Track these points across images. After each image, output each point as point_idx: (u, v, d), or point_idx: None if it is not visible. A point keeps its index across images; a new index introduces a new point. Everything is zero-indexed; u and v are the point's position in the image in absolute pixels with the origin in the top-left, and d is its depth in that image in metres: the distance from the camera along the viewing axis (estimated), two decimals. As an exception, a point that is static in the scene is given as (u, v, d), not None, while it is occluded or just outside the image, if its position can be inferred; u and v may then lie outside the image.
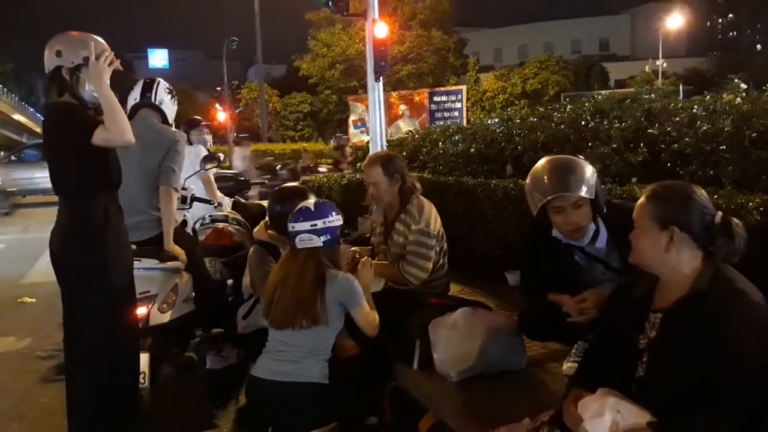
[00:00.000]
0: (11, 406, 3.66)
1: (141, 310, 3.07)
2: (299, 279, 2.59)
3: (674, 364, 1.72)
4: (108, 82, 2.53)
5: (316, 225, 2.61)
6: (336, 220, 2.67)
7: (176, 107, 3.85)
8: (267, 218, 3.42)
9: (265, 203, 6.01)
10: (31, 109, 49.66)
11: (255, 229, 3.61)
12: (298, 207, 2.70)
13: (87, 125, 2.50)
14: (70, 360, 2.70)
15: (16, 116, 43.13)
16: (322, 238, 2.62)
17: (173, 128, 3.78)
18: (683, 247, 1.77)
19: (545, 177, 2.47)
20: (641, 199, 1.87)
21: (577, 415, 1.78)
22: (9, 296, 6.38)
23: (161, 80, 3.81)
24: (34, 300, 6.11)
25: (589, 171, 2.47)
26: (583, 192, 2.40)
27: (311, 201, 2.72)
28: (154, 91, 3.70)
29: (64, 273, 2.60)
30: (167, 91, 3.77)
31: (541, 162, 2.57)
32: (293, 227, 2.64)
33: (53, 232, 2.63)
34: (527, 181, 2.58)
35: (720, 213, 1.79)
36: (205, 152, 5.10)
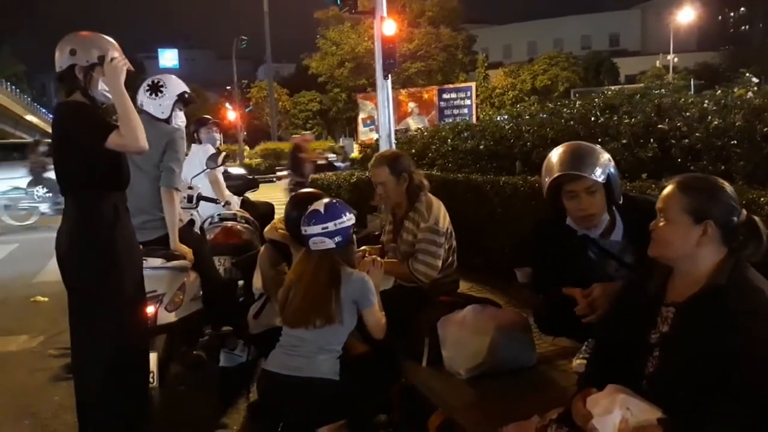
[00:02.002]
0: (24, 404, 3.69)
1: (148, 310, 3.08)
2: (313, 279, 2.61)
3: (686, 359, 1.70)
4: (123, 83, 2.54)
5: (327, 227, 2.62)
6: (348, 220, 2.67)
7: (162, 100, 3.73)
8: (276, 217, 3.42)
9: (273, 201, 6.04)
10: (43, 110, 50.01)
11: (265, 229, 3.62)
12: (309, 210, 2.70)
13: (99, 126, 2.50)
14: (78, 360, 2.71)
15: (29, 117, 43.49)
16: (335, 240, 2.63)
17: (170, 123, 3.75)
18: (712, 243, 1.73)
19: (559, 157, 2.46)
20: (670, 189, 1.79)
21: (586, 412, 1.76)
22: (22, 295, 6.44)
23: (147, 80, 3.80)
24: (46, 299, 6.16)
25: (605, 158, 2.45)
26: (594, 175, 2.38)
27: (322, 203, 2.72)
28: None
29: (74, 273, 2.61)
30: (146, 89, 3.74)
31: (560, 146, 2.56)
32: (305, 230, 2.66)
33: (60, 233, 2.63)
34: (544, 164, 2.57)
35: (744, 210, 1.76)
36: (212, 151, 5.10)
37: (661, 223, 1.80)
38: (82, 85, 2.57)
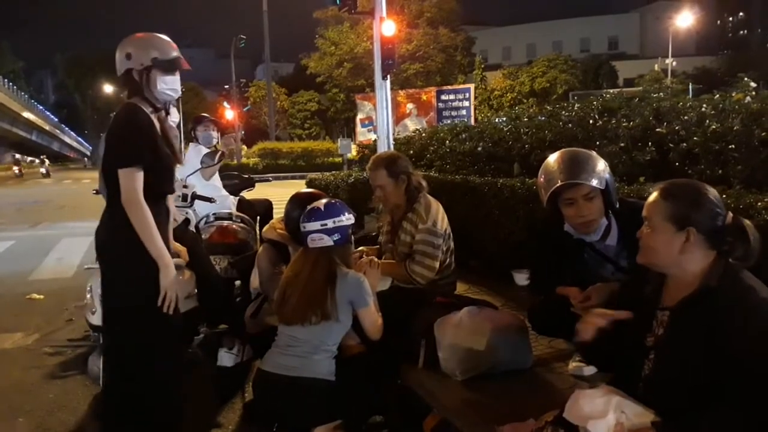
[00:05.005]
0: (19, 402, 3.68)
1: None
2: (310, 276, 2.62)
3: (681, 362, 1.71)
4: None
5: (326, 225, 2.63)
6: (347, 219, 2.69)
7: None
8: (275, 217, 3.42)
9: (271, 199, 6.04)
10: (40, 107, 49.89)
11: (264, 228, 3.62)
12: (309, 208, 2.71)
13: (137, 150, 2.44)
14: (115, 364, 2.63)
15: (26, 114, 43.41)
16: (333, 237, 2.64)
17: None
18: (697, 248, 1.74)
19: (556, 165, 2.48)
20: (654, 197, 1.81)
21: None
22: (17, 293, 6.41)
23: None
24: (42, 296, 6.14)
25: (602, 164, 2.47)
26: (593, 182, 2.40)
27: (322, 201, 2.74)
28: None
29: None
30: None
31: (555, 153, 2.57)
32: (304, 227, 2.67)
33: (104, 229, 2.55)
34: (540, 172, 2.58)
35: (730, 213, 1.77)
36: (206, 150, 5.07)
37: (646, 231, 1.82)
38: (140, 89, 2.54)
